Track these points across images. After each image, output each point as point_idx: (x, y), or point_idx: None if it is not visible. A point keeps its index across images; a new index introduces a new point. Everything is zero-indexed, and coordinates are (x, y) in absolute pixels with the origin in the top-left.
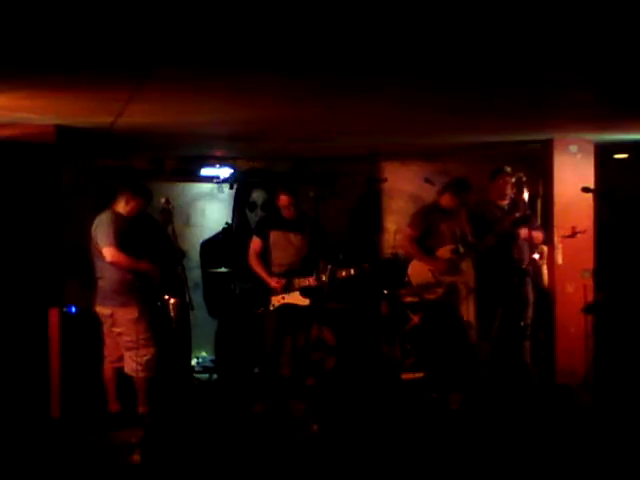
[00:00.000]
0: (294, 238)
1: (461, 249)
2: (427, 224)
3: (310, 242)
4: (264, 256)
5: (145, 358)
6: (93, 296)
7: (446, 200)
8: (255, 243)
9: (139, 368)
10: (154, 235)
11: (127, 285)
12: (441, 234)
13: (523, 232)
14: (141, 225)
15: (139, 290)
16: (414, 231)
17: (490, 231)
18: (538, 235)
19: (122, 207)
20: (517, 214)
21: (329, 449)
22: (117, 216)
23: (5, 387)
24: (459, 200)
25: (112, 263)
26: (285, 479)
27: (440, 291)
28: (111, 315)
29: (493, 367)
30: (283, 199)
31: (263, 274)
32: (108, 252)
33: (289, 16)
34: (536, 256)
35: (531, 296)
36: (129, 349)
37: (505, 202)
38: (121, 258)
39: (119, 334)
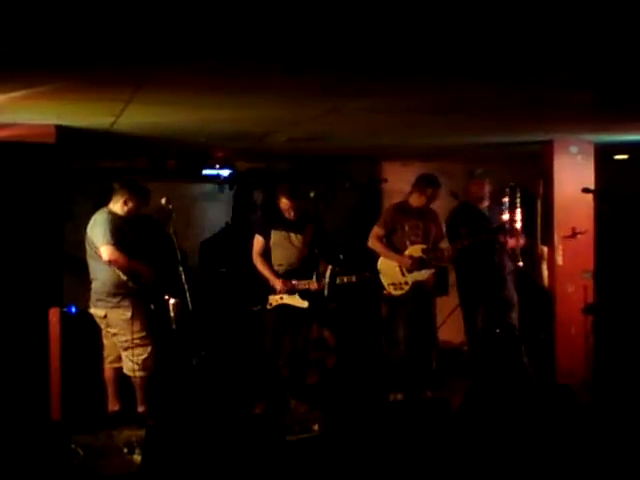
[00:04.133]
0: (295, 238)
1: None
2: (393, 222)
3: (311, 243)
4: (265, 255)
5: (141, 357)
6: (87, 297)
7: (414, 199)
8: (258, 242)
9: (136, 367)
10: (153, 236)
11: (119, 287)
12: (407, 232)
13: (509, 241)
14: (139, 225)
15: (132, 291)
16: (381, 230)
17: (466, 235)
18: (512, 241)
19: (119, 207)
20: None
21: (330, 449)
22: (113, 215)
23: (5, 388)
24: (427, 197)
25: (109, 262)
26: (286, 479)
27: (407, 288)
28: (105, 316)
29: (490, 368)
30: (284, 202)
31: (269, 274)
32: (106, 251)
33: (289, 16)
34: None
35: (515, 298)
36: (125, 349)
37: (485, 206)
38: (119, 257)
39: (114, 334)
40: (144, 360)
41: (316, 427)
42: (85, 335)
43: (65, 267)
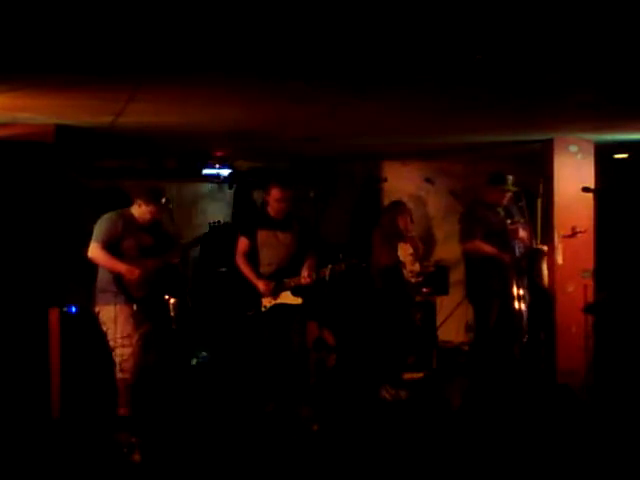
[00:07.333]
0: (282, 237)
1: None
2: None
3: (298, 240)
4: (252, 255)
5: (120, 359)
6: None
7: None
8: (242, 243)
9: (116, 369)
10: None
11: (109, 284)
12: None
13: (520, 232)
14: (155, 230)
15: (120, 290)
16: None
17: (480, 230)
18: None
19: (135, 210)
20: (508, 221)
21: (329, 449)
22: (124, 217)
23: (5, 387)
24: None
25: (90, 259)
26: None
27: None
28: (98, 312)
29: (492, 367)
30: (275, 192)
31: (251, 276)
32: (90, 247)
33: (289, 19)
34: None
35: (526, 297)
36: (112, 349)
37: (500, 208)
38: (98, 256)
39: (106, 331)
40: (123, 362)
41: (316, 427)
42: (86, 335)
43: (68, 267)
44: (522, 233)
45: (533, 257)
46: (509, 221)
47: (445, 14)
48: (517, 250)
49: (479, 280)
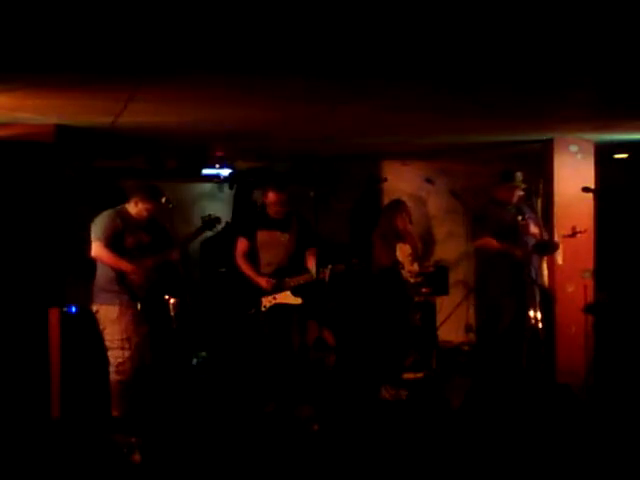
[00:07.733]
0: (282, 237)
1: None
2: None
3: (298, 240)
4: (251, 256)
5: (117, 360)
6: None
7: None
8: (242, 243)
9: (112, 370)
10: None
11: (111, 283)
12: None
13: (532, 228)
14: (152, 228)
15: (123, 290)
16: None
17: (490, 228)
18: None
19: (132, 208)
20: (519, 217)
21: (329, 449)
22: (121, 215)
23: (5, 387)
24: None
25: (94, 258)
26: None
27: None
28: (97, 312)
29: (495, 367)
30: (271, 196)
31: (252, 274)
32: (93, 246)
33: (289, 19)
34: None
35: (537, 295)
36: (108, 349)
37: (510, 206)
38: (102, 254)
39: (103, 330)
40: (120, 364)
41: (316, 427)
42: (86, 335)
43: (68, 266)
44: (534, 229)
45: (543, 250)
46: (520, 218)
47: (446, 12)
48: (530, 247)
49: (491, 278)
